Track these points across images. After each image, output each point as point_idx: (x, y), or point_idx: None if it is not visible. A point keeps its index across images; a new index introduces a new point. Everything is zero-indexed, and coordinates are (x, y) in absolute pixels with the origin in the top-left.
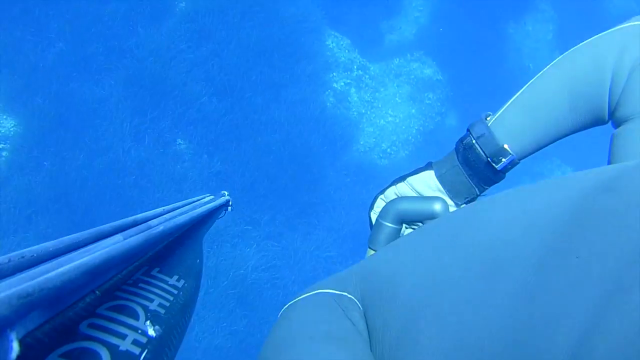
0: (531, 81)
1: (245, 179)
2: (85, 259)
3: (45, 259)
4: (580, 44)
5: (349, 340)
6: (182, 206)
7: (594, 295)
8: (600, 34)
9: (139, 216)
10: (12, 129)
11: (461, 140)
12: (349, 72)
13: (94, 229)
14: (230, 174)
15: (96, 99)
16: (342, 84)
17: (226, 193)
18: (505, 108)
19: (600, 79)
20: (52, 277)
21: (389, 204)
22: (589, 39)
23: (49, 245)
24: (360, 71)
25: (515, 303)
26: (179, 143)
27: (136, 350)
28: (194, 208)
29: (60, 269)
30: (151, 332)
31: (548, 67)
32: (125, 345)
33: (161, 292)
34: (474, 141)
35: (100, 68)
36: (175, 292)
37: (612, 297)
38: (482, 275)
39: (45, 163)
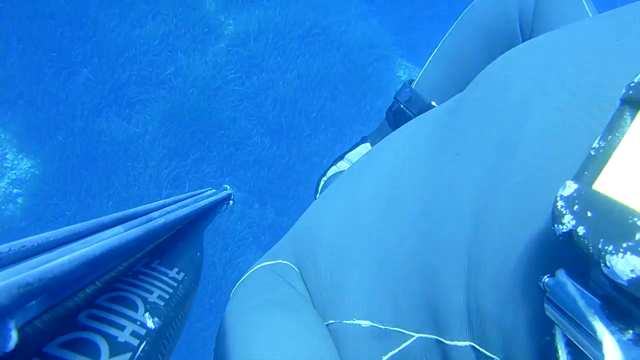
0: (445, 37)
1: None
2: (85, 249)
3: (46, 248)
4: None
5: (288, 302)
6: (184, 199)
7: (479, 180)
8: None
9: (140, 208)
10: (29, 172)
11: (390, 108)
12: None
13: (95, 220)
14: (285, 227)
15: (128, 137)
16: None
17: (228, 187)
18: (426, 67)
19: (508, 18)
20: (52, 268)
21: (327, 181)
22: None
23: (50, 235)
24: None
25: (415, 210)
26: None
27: (135, 341)
28: (196, 201)
29: (61, 260)
30: (150, 324)
31: (458, 20)
32: (123, 336)
33: (161, 284)
34: (402, 106)
35: (133, 100)
36: (175, 284)
37: (495, 176)
38: (386, 201)
39: (66, 212)
